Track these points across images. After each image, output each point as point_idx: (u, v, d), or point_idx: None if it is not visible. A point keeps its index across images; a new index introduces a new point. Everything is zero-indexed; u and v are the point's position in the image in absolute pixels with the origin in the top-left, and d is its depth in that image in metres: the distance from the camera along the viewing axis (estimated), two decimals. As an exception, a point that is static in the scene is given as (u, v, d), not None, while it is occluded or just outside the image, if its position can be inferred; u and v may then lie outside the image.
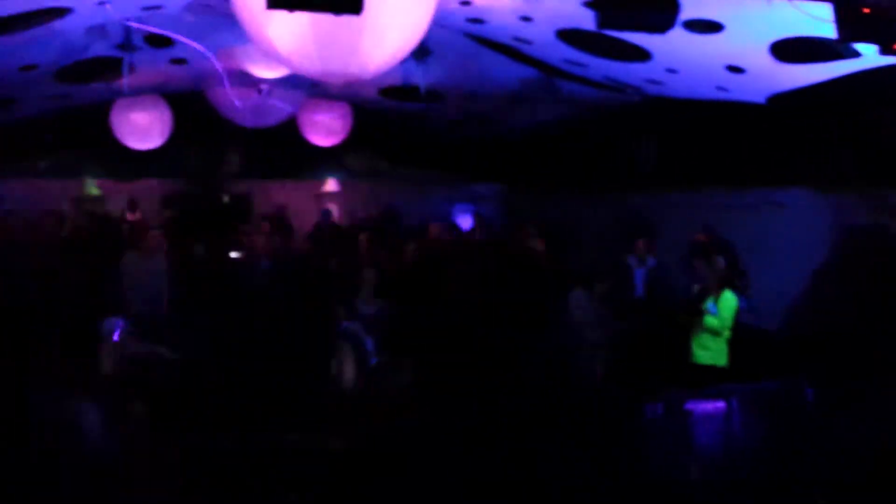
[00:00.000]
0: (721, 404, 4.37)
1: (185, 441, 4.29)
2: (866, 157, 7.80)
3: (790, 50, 6.02)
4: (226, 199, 13.27)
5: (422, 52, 8.10)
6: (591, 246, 11.97)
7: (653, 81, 7.91)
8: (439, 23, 6.81)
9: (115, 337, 5.98)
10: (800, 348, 7.18)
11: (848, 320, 7.16)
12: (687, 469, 4.10)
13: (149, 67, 8.77)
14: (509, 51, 8.15)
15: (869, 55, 5.52)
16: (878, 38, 4.69)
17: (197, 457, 4.15)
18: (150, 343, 6.18)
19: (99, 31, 7.51)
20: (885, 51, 4.79)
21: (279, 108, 9.91)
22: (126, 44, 7.72)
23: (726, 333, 6.79)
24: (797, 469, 4.21)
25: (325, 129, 11.17)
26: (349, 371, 5.84)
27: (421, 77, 8.47)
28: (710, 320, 6.72)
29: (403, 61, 7.49)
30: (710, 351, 6.81)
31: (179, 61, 8.88)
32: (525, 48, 7.79)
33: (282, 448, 4.19)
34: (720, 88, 7.43)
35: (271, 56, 6.69)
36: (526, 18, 6.63)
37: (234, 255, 9.68)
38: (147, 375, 5.69)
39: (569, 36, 6.86)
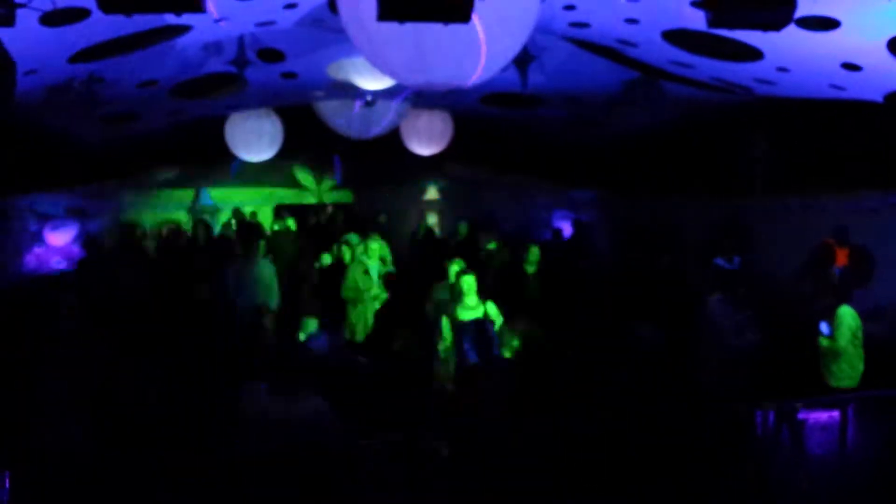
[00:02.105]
0: (835, 413, 4.19)
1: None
2: None
3: (909, 45, 5.75)
4: (331, 208, 13.62)
5: (524, 58, 8.12)
6: (700, 251, 11.73)
7: (763, 81, 7.68)
8: (541, 28, 6.83)
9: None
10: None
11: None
12: (798, 479, 3.96)
13: (261, 82, 9.08)
14: (612, 53, 8.08)
15: None
16: None
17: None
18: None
19: (214, 47, 7.83)
20: None
21: (383, 118, 10.11)
22: (239, 59, 8.02)
23: (851, 351, 6.36)
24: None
25: (426, 138, 11.32)
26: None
27: (524, 83, 8.49)
28: (823, 341, 6.38)
29: (505, 68, 7.57)
30: (834, 374, 6.31)
31: (290, 75, 9.16)
32: (629, 50, 7.71)
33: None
34: (835, 87, 7.15)
35: (378, 68, 6.87)
36: (632, 20, 6.57)
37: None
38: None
39: (675, 37, 6.75)
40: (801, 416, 4.34)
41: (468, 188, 14.63)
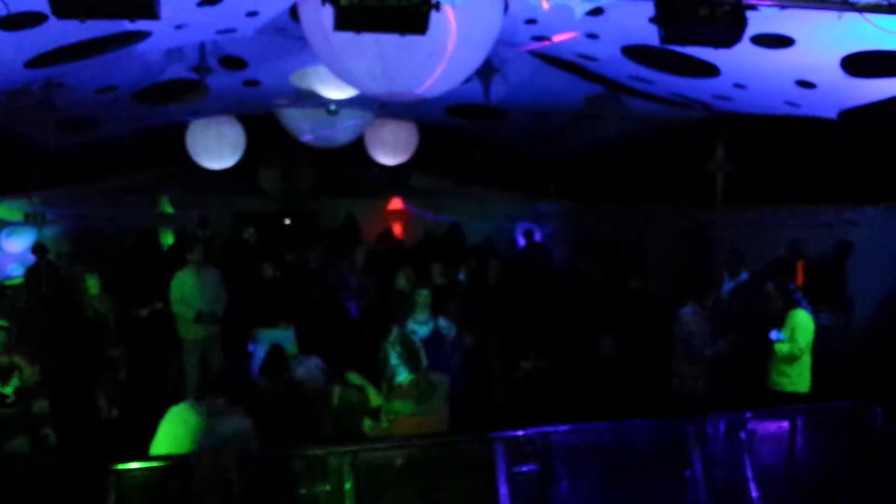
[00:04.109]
0: (785, 424, 4.28)
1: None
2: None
3: (861, 64, 5.89)
4: (293, 218, 13.55)
5: (488, 71, 8.17)
6: (662, 263, 11.90)
7: (721, 97, 7.81)
8: (505, 41, 6.88)
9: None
10: (874, 368, 6.95)
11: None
12: (746, 488, 4.03)
13: (223, 89, 9.03)
14: (574, 68, 8.16)
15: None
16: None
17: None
18: None
19: (176, 53, 7.77)
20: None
21: (347, 128, 10.10)
22: (201, 66, 7.96)
23: (806, 358, 6.50)
24: (861, 490, 4.11)
25: (391, 148, 11.31)
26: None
27: (487, 95, 8.53)
28: (781, 347, 6.49)
29: (470, 80, 7.61)
30: (790, 377, 6.57)
31: (252, 83, 9.13)
32: (590, 65, 7.79)
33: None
34: (790, 104, 7.29)
35: (340, 77, 6.87)
36: (592, 35, 6.64)
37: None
38: None
39: (634, 52, 6.84)
40: (750, 426, 4.42)
41: (434, 198, 14.64)
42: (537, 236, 13.79)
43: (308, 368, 6.36)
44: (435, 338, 6.81)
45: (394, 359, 5.91)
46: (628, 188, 12.30)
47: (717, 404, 6.54)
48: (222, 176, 11.33)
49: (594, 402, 7.13)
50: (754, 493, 4.09)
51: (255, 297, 8.75)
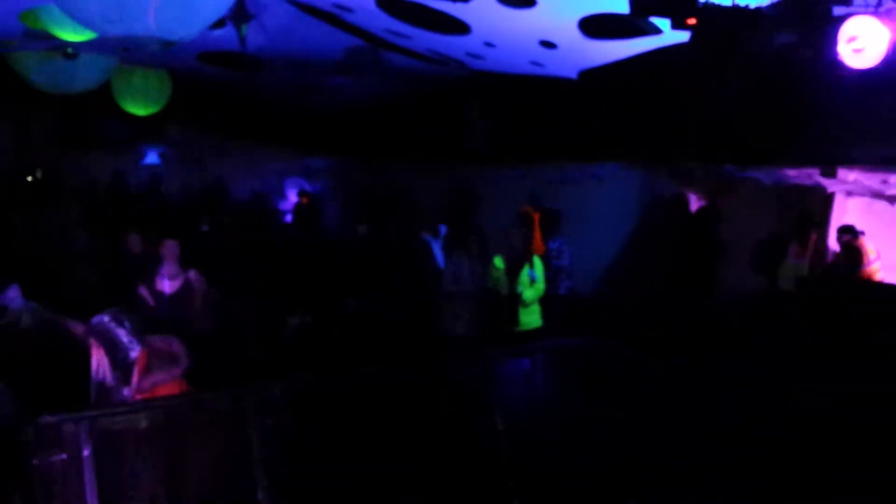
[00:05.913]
0: (526, 361, 4.62)
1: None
2: (671, 132, 8.30)
3: (597, 26, 6.27)
4: (34, 172, 12.32)
5: (242, 16, 7.84)
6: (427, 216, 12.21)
7: (473, 55, 8.02)
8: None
9: None
10: (609, 309, 7.63)
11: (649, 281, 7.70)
12: (492, 422, 4.30)
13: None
14: (332, 18, 8.03)
15: (669, 32, 5.85)
16: (670, 12, 4.98)
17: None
18: None
19: None
20: (676, 25, 5.09)
21: (88, 73, 9.28)
22: None
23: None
24: (591, 417, 4.53)
25: (141, 96, 10.55)
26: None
27: (242, 43, 8.19)
28: (527, 293, 7.07)
29: (224, 26, 7.28)
30: (534, 315, 7.25)
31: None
32: (347, 16, 7.70)
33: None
34: (535, 63, 7.64)
35: (74, 17, 6.30)
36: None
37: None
38: None
39: (388, 5, 6.84)
40: (496, 364, 4.70)
41: (194, 153, 13.95)
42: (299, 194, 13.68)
43: (30, 314, 5.95)
44: (187, 292, 6.70)
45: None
46: (395, 144, 12.43)
47: (474, 345, 7.02)
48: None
49: (360, 355, 7.24)
50: (500, 426, 4.36)
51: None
